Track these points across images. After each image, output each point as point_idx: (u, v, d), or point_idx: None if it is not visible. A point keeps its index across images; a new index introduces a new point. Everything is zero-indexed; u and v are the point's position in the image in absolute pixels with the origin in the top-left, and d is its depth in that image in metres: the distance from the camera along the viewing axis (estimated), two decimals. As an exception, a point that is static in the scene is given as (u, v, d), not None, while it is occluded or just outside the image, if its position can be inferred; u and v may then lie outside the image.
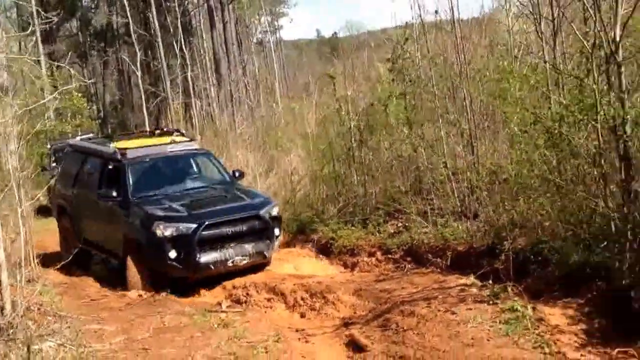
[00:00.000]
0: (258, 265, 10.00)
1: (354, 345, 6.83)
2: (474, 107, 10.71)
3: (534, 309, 6.51)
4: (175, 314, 7.94)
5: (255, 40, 54.26)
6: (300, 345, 7.02)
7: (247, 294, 9.08)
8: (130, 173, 10.61)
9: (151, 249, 9.69)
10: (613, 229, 6.60)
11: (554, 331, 6.08)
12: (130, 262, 9.92)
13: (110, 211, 10.62)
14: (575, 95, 7.48)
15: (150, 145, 11.49)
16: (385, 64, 14.65)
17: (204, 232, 9.52)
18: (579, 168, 7.56)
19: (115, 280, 10.35)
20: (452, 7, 11.30)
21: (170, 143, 11.49)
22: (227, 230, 9.73)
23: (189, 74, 28.46)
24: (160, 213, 9.81)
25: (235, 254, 9.68)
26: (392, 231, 10.81)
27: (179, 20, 29.07)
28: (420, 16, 12.33)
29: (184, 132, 13.24)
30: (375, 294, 8.17)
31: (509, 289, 7.03)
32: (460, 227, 9.66)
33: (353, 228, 11.38)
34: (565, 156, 7.74)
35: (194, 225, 9.53)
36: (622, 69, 6.57)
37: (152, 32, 28.75)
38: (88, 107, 28.99)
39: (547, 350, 5.64)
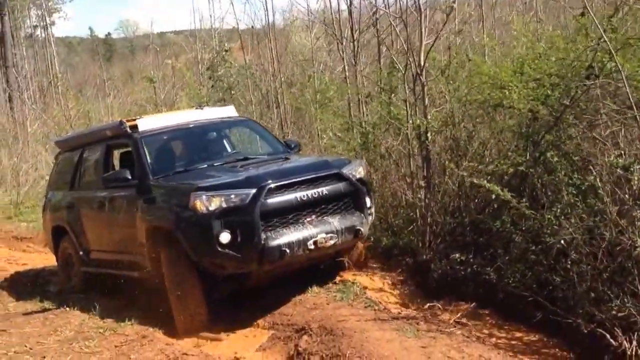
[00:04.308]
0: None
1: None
2: (287, 114, 12.03)
3: (358, 281, 7.88)
4: (18, 302, 8.31)
5: (23, 35, 51.56)
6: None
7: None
8: (145, 147, 8.01)
9: (191, 235, 6.84)
10: (418, 215, 8.21)
11: (377, 295, 7.46)
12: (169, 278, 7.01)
13: (123, 205, 8.01)
14: (386, 107, 9.08)
15: (165, 116, 9.41)
16: (177, 62, 15.44)
17: (268, 200, 6.75)
18: (389, 167, 9.18)
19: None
20: (268, 19, 12.64)
21: (194, 110, 9.33)
22: (301, 195, 6.94)
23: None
24: (199, 182, 7.06)
25: (318, 232, 6.92)
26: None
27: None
28: (237, 25, 13.57)
29: None
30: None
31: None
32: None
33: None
34: (376, 157, 9.33)
35: (253, 190, 6.70)
36: (425, 88, 8.25)
37: None
38: None
39: (375, 308, 6.98)
